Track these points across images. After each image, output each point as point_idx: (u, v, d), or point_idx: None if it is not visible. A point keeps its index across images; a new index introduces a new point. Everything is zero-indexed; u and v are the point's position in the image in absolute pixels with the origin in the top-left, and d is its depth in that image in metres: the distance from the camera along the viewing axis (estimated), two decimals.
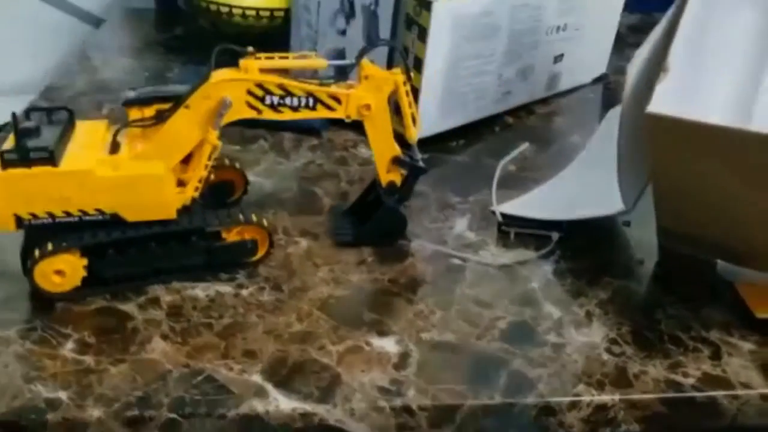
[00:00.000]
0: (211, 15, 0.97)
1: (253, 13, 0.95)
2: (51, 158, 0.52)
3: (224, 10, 0.95)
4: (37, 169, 0.52)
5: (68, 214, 0.53)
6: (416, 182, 0.63)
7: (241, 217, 0.58)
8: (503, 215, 0.66)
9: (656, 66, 0.51)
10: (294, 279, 0.58)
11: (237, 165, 0.66)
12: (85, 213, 0.53)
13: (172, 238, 0.56)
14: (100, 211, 0.54)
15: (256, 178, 0.72)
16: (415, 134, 0.61)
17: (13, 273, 0.57)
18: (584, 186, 0.70)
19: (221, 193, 0.66)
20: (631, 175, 0.59)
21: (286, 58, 0.58)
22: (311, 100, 0.57)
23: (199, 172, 0.56)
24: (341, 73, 0.59)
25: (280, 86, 0.56)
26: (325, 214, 0.67)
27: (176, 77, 0.95)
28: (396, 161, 0.61)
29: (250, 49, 0.56)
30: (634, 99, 0.54)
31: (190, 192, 0.57)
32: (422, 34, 0.74)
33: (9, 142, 0.53)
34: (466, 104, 0.82)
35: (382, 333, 0.53)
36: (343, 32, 0.82)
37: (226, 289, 0.57)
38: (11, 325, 0.53)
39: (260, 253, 0.59)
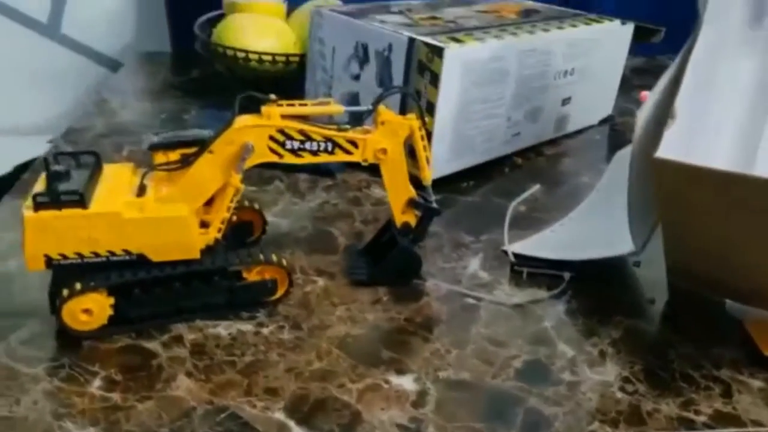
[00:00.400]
0: (228, 59, 1.00)
1: (269, 58, 0.98)
2: (81, 201, 0.54)
3: (240, 55, 0.98)
4: (67, 211, 0.54)
5: (96, 254, 0.55)
6: (430, 223, 0.65)
7: (261, 257, 0.60)
8: (515, 255, 0.68)
9: (664, 112, 0.53)
10: (312, 318, 0.60)
11: (256, 206, 0.68)
12: (112, 253, 0.55)
13: (195, 278, 0.58)
14: (127, 252, 0.56)
15: (273, 218, 0.74)
16: (429, 176, 0.63)
17: (40, 311, 0.59)
18: (594, 227, 0.72)
19: (241, 232, 0.68)
20: (640, 216, 0.61)
21: (305, 104, 0.60)
22: (330, 145, 0.60)
23: (221, 213, 0.58)
24: (357, 119, 0.61)
25: (301, 132, 0.58)
26: (341, 253, 0.69)
27: (193, 120, 0.98)
28: (411, 203, 0.63)
29: (273, 96, 0.58)
30: (643, 143, 0.56)
31: (213, 233, 0.58)
32: (434, 80, 0.76)
33: (40, 185, 0.55)
34: (476, 146, 0.84)
35: (400, 371, 0.54)
36: (357, 77, 0.84)
37: (247, 327, 0.58)
38: (39, 363, 0.54)
39: (280, 292, 0.61)
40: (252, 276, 0.60)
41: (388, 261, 0.64)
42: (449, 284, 0.65)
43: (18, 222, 0.54)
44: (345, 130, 0.60)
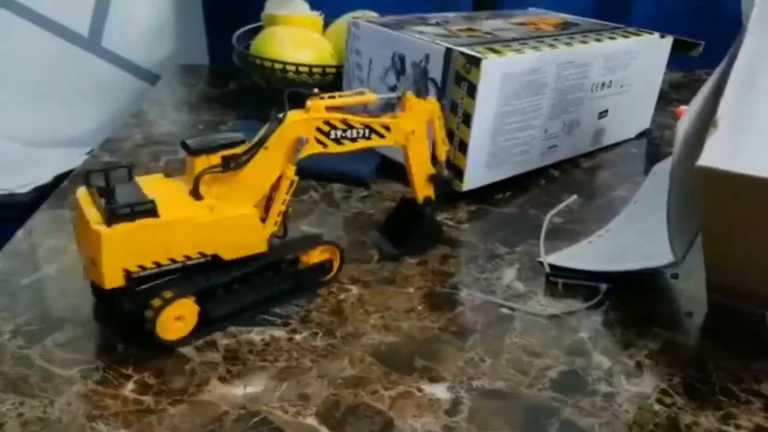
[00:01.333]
0: (265, 71, 1.01)
1: (306, 69, 0.99)
2: (154, 210, 0.54)
3: (278, 66, 0.99)
4: (142, 222, 0.54)
5: (173, 260, 0.56)
6: (447, 193, 0.72)
7: (318, 238, 0.65)
8: (551, 266, 0.67)
9: (706, 122, 0.52)
10: (346, 325, 0.60)
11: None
12: (188, 258, 0.56)
13: (267, 270, 0.60)
14: (202, 254, 0.57)
15: (307, 228, 0.74)
16: (444, 153, 0.70)
17: (77, 316, 0.59)
18: (632, 239, 0.71)
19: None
20: (680, 228, 0.60)
21: (344, 96, 0.63)
22: (367, 131, 0.63)
23: (278, 206, 0.60)
24: (389, 108, 0.66)
25: (343, 121, 0.61)
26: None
27: (230, 130, 0.98)
28: (430, 179, 0.69)
29: (316, 90, 0.61)
30: (684, 154, 0.55)
31: (271, 225, 0.60)
32: (471, 90, 0.76)
33: (86, 200, 0.55)
34: (513, 157, 0.84)
35: (433, 379, 0.54)
36: (394, 88, 0.84)
37: (280, 333, 0.58)
38: (74, 366, 0.55)
39: (335, 270, 0.65)
40: (309, 259, 0.63)
41: (419, 231, 0.70)
42: (484, 294, 0.64)
43: (58, 229, 0.55)
44: (378, 116, 0.65)
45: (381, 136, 0.64)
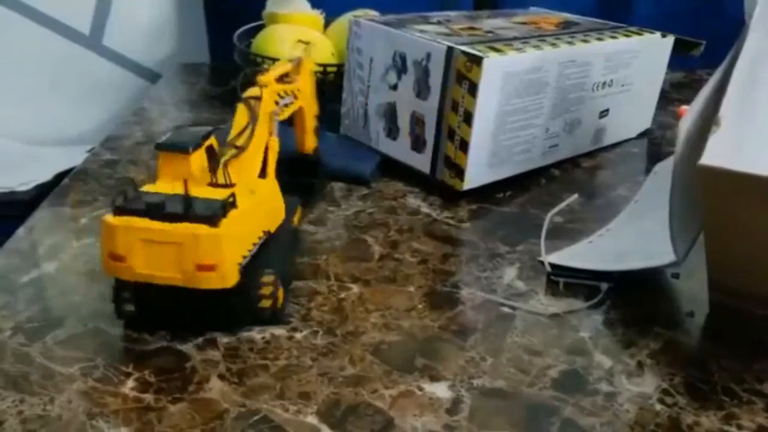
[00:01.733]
0: (267, 70, 1.00)
1: None
2: (235, 202, 0.55)
3: None
4: (235, 213, 0.54)
5: (254, 245, 0.57)
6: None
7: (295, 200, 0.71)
8: (552, 265, 0.67)
9: (708, 121, 0.52)
10: (346, 324, 0.59)
11: None
12: (259, 239, 0.58)
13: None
14: (266, 232, 0.59)
15: (308, 226, 0.74)
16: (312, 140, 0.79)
17: (78, 313, 0.59)
18: (633, 238, 0.71)
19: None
20: (681, 228, 0.60)
21: (276, 68, 0.70)
22: (292, 97, 0.70)
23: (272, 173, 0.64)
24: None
25: (284, 91, 0.68)
26: None
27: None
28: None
29: (247, 70, 0.71)
30: (686, 153, 0.55)
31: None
32: (472, 89, 0.76)
33: (137, 221, 0.54)
34: (514, 156, 0.84)
35: (434, 378, 0.54)
36: (395, 87, 0.84)
37: (280, 332, 0.58)
38: (74, 363, 0.54)
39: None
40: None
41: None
42: (485, 293, 0.64)
43: (59, 227, 0.55)
44: (291, 82, 0.71)
45: (296, 98, 0.71)
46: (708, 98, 0.57)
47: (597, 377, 0.54)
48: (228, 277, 0.54)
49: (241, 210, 0.55)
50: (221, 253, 0.53)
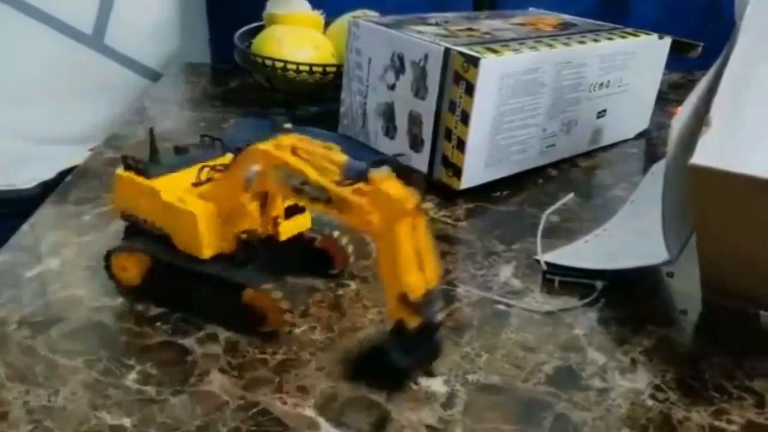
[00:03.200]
0: (266, 70, 1.02)
1: (307, 68, 0.99)
2: None
3: (279, 65, 1.00)
4: None
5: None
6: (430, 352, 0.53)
7: None
8: (547, 264, 0.68)
9: (699, 121, 0.53)
10: (344, 320, 0.60)
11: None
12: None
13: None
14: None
15: None
16: (433, 278, 0.49)
17: (81, 307, 0.60)
18: (628, 237, 0.71)
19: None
20: (675, 227, 0.60)
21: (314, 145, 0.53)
22: (324, 196, 0.51)
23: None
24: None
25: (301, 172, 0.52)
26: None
27: (232, 128, 0.99)
28: (402, 300, 0.48)
29: (288, 126, 0.62)
30: (678, 153, 0.56)
31: None
32: (469, 89, 0.77)
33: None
34: (511, 156, 0.85)
35: (430, 373, 0.55)
36: (393, 86, 0.85)
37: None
38: (78, 356, 0.56)
39: None
40: None
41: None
42: (480, 291, 0.65)
43: (62, 223, 0.56)
44: (346, 184, 0.49)
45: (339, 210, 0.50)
46: (700, 98, 0.58)
47: (590, 373, 0.55)
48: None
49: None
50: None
